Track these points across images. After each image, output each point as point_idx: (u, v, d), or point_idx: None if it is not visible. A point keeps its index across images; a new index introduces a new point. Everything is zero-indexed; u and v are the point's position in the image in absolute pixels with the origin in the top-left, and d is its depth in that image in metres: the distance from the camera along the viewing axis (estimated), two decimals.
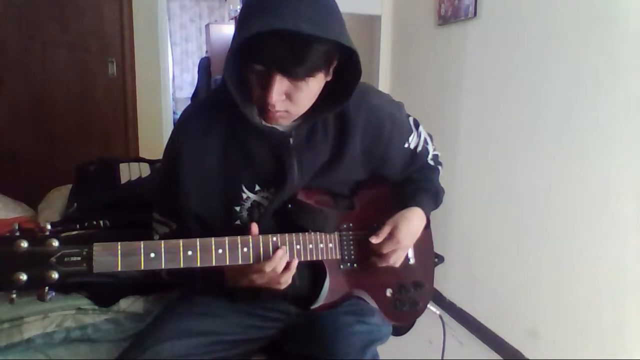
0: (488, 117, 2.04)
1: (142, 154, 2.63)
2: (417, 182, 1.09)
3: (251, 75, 0.79)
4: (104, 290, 1.13)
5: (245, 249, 0.83)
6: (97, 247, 0.72)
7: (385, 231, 0.97)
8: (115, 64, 2.67)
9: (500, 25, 1.95)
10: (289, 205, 0.92)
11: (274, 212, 0.92)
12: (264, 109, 0.82)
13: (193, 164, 0.89)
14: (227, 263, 0.81)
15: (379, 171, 1.04)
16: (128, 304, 1.13)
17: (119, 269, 0.73)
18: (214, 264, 0.80)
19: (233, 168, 0.91)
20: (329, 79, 0.85)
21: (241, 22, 0.77)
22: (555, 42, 1.68)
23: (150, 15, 2.72)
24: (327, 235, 0.95)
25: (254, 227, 0.85)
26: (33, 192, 1.73)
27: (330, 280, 0.96)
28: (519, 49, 1.84)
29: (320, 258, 0.94)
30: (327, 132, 0.94)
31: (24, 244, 0.67)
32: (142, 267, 0.75)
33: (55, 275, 0.68)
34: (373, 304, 1.01)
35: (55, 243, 0.69)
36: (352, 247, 0.99)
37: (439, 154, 1.17)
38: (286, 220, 0.92)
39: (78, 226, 1.29)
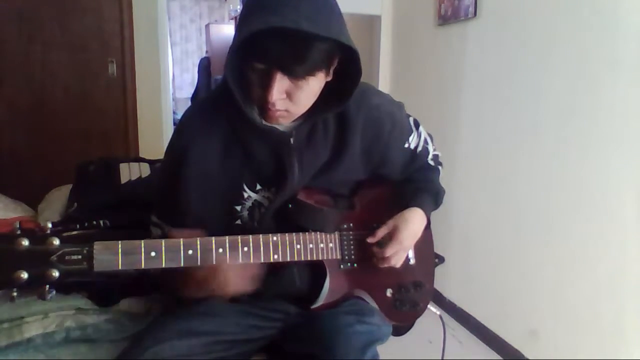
0: (488, 117, 2.04)
1: (142, 154, 2.63)
2: (417, 183, 1.09)
3: (252, 75, 0.79)
4: (104, 290, 1.13)
5: (245, 248, 0.83)
6: (98, 246, 0.72)
7: (382, 231, 0.98)
8: (115, 64, 2.67)
9: (500, 25, 1.95)
10: (290, 205, 0.92)
11: (275, 212, 0.92)
12: (264, 108, 0.82)
13: (196, 162, 0.89)
14: (228, 262, 0.81)
15: (379, 171, 1.04)
16: (128, 304, 1.13)
17: (120, 268, 0.73)
18: (214, 263, 0.80)
19: (234, 167, 0.91)
20: (329, 79, 0.85)
21: (242, 20, 0.78)
22: (555, 42, 1.68)
23: (150, 15, 2.72)
24: (328, 235, 0.95)
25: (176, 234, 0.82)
26: (33, 192, 1.73)
27: (331, 280, 0.96)
28: (519, 49, 1.84)
29: (320, 258, 0.94)
30: (327, 131, 0.94)
31: (25, 242, 0.67)
32: (143, 266, 0.75)
33: (55, 273, 0.68)
34: (373, 304, 1.01)
35: (56, 241, 0.69)
36: (352, 247, 0.99)
37: (439, 154, 1.17)
38: (286, 219, 0.92)
39: (78, 226, 1.29)
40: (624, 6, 1.44)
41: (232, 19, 7.12)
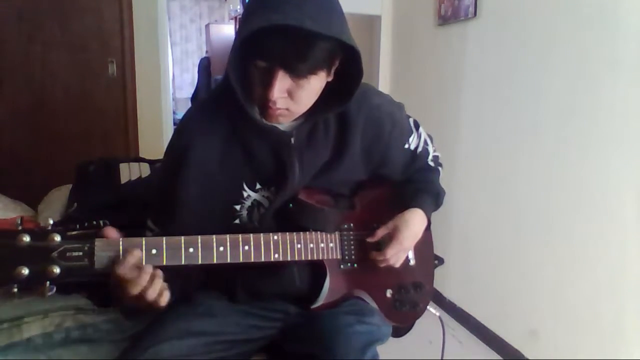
0: (488, 117, 2.04)
1: (142, 154, 2.62)
2: (417, 183, 1.09)
3: (253, 73, 0.79)
4: (104, 290, 1.13)
5: (246, 247, 0.83)
6: (99, 243, 0.72)
7: (383, 231, 0.98)
8: (115, 64, 2.67)
9: (500, 25, 1.95)
10: (290, 205, 0.92)
11: (275, 212, 0.92)
12: (265, 106, 0.81)
13: (196, 162, 0.88)
14: (229, 261, 0.81)
15: (379, 171, 1.04)
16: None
17: None
18: (215, 261, 0.80)
19: (234, 166, 0.91)
20: (330, 79, 0.85)
21: (244, 19, 0.78)
22: (555, 42, 1.68)
23: (150, 15, 2.72)
24: (328, 235, 0.95)
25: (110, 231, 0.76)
26: (33, 192, 1.73)
27: (331, 280, 0.96)
28: (519, 49, 1.84)
29: (320, 257, 0.93)
30: (328, 131, 0.94)
31: (26, 239, 0.67)
32: (144, 264, 0.75)
33: (56, 270, 0.68)
34: (373, 304, 1.01)
35: (57, 238, 0.69)
36: (352, 247, 0.99)
37: (439, 155, 1.17)
38: (287, 219, 0.92)
39: (78, 226, 1.28)
40: (624, 6, 1.44)
41: (232, 19, 7.12)
